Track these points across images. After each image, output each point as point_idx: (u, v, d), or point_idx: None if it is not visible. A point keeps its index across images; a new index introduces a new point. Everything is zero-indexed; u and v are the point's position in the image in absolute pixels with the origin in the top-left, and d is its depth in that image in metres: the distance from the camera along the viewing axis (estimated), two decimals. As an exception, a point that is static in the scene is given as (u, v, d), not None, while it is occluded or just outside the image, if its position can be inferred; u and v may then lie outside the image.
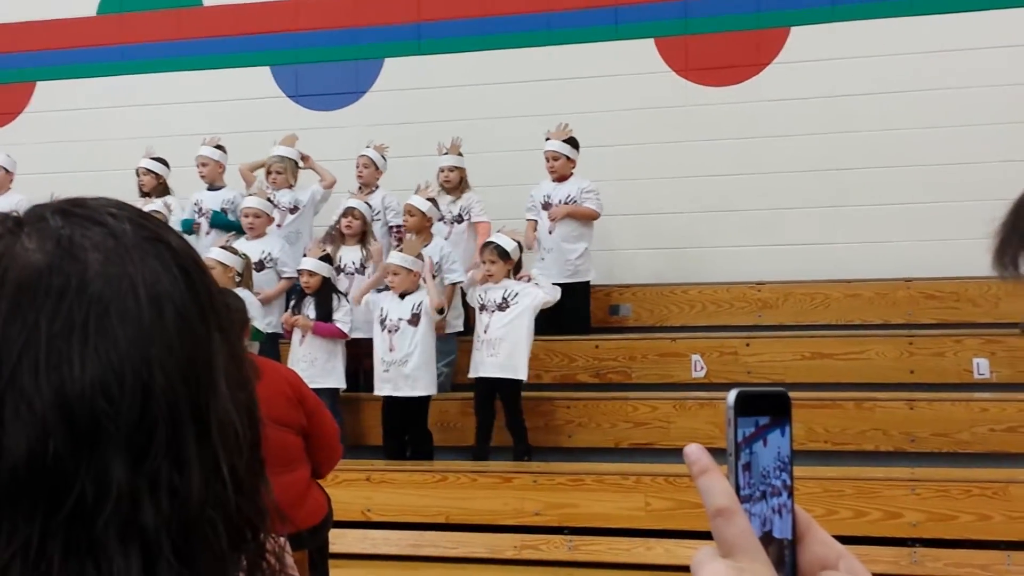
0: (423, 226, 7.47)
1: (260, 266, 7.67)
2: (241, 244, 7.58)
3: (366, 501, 6.46)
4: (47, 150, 9.23)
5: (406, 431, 7.03)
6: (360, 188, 8.15)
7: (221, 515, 0.73)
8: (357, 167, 8.19)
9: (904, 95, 7.91)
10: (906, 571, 5.63)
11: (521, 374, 6.85)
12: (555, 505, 6.25)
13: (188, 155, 8.43)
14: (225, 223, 8.16)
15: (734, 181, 8.18)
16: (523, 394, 6.94)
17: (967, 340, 7.01)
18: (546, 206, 7.75)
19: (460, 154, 8.02)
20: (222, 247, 7.22)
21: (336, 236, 7.78)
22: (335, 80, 9.00)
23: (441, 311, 7.07)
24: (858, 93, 8.00)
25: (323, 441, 4.36)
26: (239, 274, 7.12)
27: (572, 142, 7.78)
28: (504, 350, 6.81)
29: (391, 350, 6.94)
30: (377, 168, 8.20)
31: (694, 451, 0.75)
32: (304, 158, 8.35)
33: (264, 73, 9.18)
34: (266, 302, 7.56)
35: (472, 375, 6.98)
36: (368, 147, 8.23)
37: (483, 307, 7.00)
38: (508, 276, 7.02)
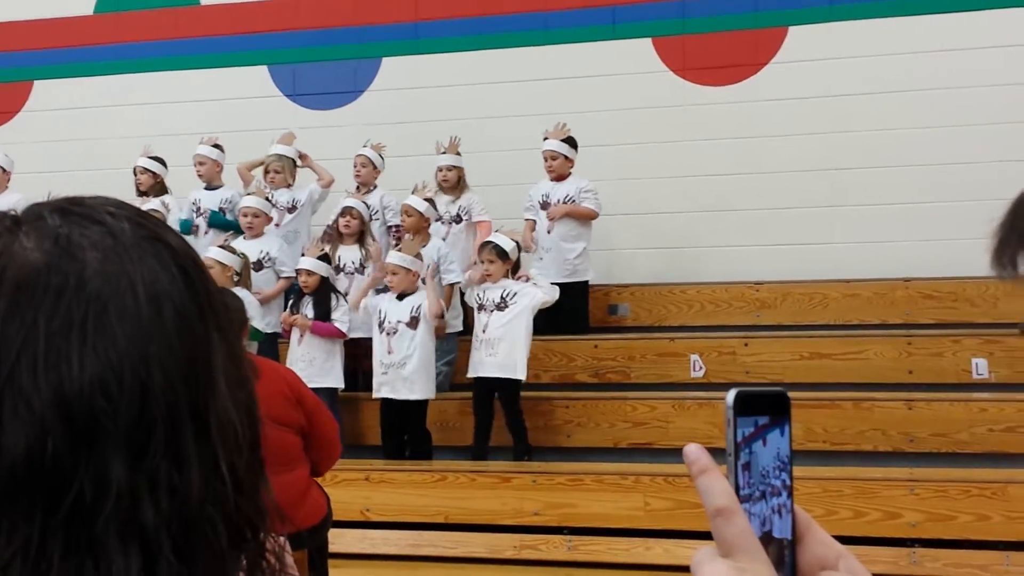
0: (420, 226, 7.47)
1: (259, 266, 7.67)
2: (239, 243, 7.57)
3: (365, 501, 6.46)
4: (44, 149, 9.23)
5: (405, 432, 7.03)
6: (358, 188, 8.15)
7: (221, 514, 0.73)
8: (355, 166, 8.19)
9: (902, 95, 7.91)
10: (905, 571, 5.64)
11: (520, 374, 6.84)
12: (554, 505, 6.25)
13: (186, 154, 8.43)
14: (223, 223, 8.16)
15: (732, 181, 8.18)
16: (522, 394, 6.94)
17: (966, 340, 7.02)
18: (544, 205, 7.75)
19: (458, 153, 8.02)
20: (220, 246, 7.22)
21: (334, 236, 7.78)
22: (333, 79, 9.00)
23: (440, 316, 7.06)
24: (856, 93, 8.01)
25: (323, 440, 4.36)
26: (237, 273, 7.12)
27: (570, 141, 7.78)
28: (503, 350, 6.81)
29: (389, 352, 6.93)
30: (375, 167, 8.20)
31: (693, 451, 0.74)
32: (302, 156, 8.35)
33: (262, 72, 9.17)
34: (265, 302, 7.56)
35: (471, 375, 6.98)
36: (365, 146, 8.23)
37: (481, 307, 6.99)
38: (506, 276, 7.02)
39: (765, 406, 0.76)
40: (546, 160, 7.77)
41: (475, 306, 7.09)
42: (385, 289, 7.25)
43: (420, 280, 7.09)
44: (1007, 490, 5.73)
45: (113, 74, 9.41)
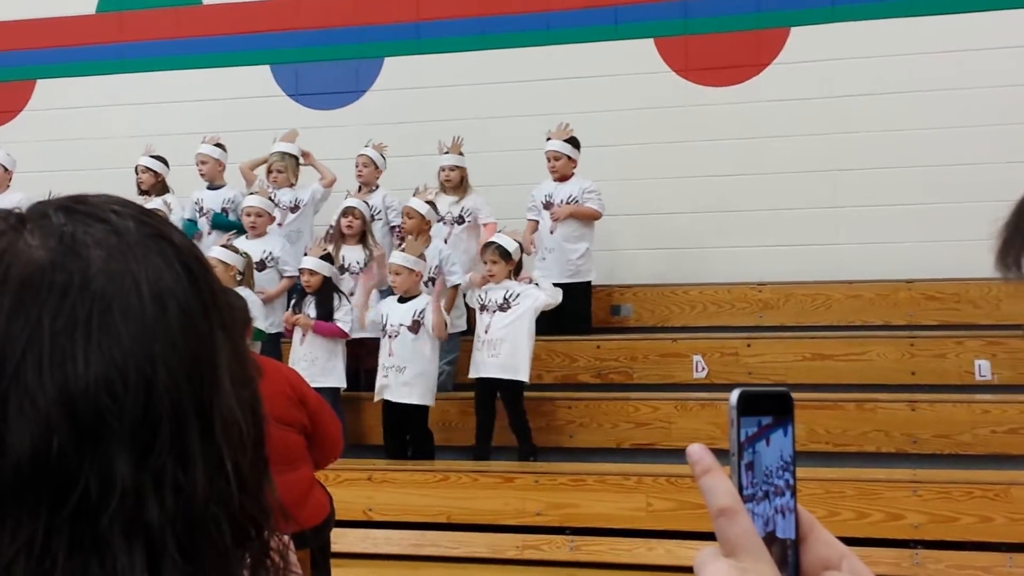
0: (421, 229, 7.46)
1: (261, 265, 7.68)
2: (242, 243, 7.58)
3: (367, 501, 6.46)
4: (47, 148, 9.23)
5: (407, 432, 7.03)
6: (360, 188, 8.15)
7: (225, 512, 0.73)
8: (356, 166, 8.19)
9: (904, 95, 7.91)
10: (907, 573, 5.63)
11: (523, 375, 6.84)
12: (556, 505, 6.25)
13: (188, 154, 8.43)
14: (226, 224, 8.16)
15: (735, 181, 8.18)
16: (525, 394, 6.93)
17: (968, 342, 7.01)
18: (547, 206, 7.75)
19: (461, 153, 8.02)
20: (223, 246, 7.22)
21: (337, 236, 7.78)
22: (335, 79, 9.00)
23: (444, 331, 7.02)
24: (858, 93, 8.00)
25: (326, 439, 4.37)
26: (240, 273, 7.13)
27: (573, 142, 7.78)
28: (505, 351, 6.81)
29: (390, 355, 6.93)
30: (377, 167, 8.20)
31: (697, 451, 0.74)
32: (305, 154, 8.34)
33: (264, 72, 9.18)
34: (268, 301, 7.57)
35: (472, 375, 6.98)
36: (367, 146, 8.23)
37: (484, 307, 7.00)
38: (509, 277, 7.02)
39: (768, 406, 0.76)
40: (549, 161, 7.77)
41: (477, 307, 7.09)
42: (390, 292, 7.25)
43: (423, 283, 7.10)
44: (1010, 492, 5.72)
45: (115, 73, 9.42)
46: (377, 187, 8.21)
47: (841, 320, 7.63)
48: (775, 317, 7.77)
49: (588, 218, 7.73)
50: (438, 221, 7.82)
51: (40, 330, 0.70)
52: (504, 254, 6.99)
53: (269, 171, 8.23)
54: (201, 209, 8.36)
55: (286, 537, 0.80)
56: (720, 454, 0.73)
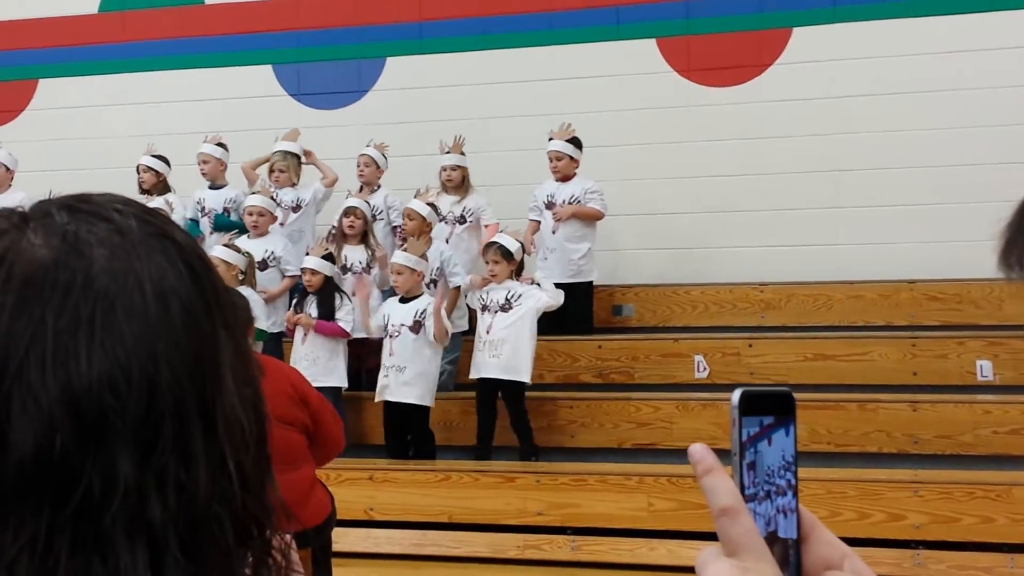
0: (422, 230, 7.46)
1: (264, 265, 7.68)
2: (244, 243, 7.59)
3: (369, 500, 6.46)
4: (49, 147, 9.24)
5: (408, 432, 7.03)
6: (361, 188, 8.15)
7: (227, 511, 0.73)
8: (358, 166, 8.19)
9: (907, 96, 7.90)
10: (909, 573, 5.63)
11: (524, 376, 6.84)
12: (558, 505, 6.25)
13: (190, 153, 8.44)
14: (228, 224, 8.16)
15: (737, 182, 8.18)
16: (526, 394, 6.94)
17: (970, 342, 7.01)
18: (549, 206, 7.75)
19: (462, 153, 8.02)
20: (225, 245, 7.23)
21: (338, 236, 7.78)
22: (337, 79, 9.00)
23: (444, 337, 7.03)
24: (860, 94, 8.00)
25: (327, 438, 4.38)
26: (242, 272, 7.13)
27: (575, 142, 7.78)
28: (506, 351, 6.81)
29: (391, 355, 6.93)
30: (378, 167, 8.20)
31: (698, 450, 0.74)
32: (306, 154, 8.34)
33: (266, 72, 9.18)
34: (270, 301, 7.57)
35: (473, 375, 6.98)
36: (368, 146, 8.23)
37: (485, 308, 7.00)
38: (511, 277, 7.02)
39: (770, 406, 0.76)
40: (551, 161, 7.77)
41: (479, 307, 7.09)
42: (392, 292, 7.25)
43: (424, 284, 7.11)
44: (1011, 492, 5.72)
45: (117, 73, 9.42)
46: (379, 187, 8.21)
47: (843, 320, 7.63)
48: (777, 317, 7.77)
49: (590, 218, 7.73)
50: (440, 220, 7.82)
51: (43, 329, 0.70)
52: (506, 254, 6.99)
53: (271, 170, 8.23)
54: (203, 209, 8.36)
55: (288, 536, 0.80)
56: (721, 454, 0.73)
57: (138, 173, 8.47)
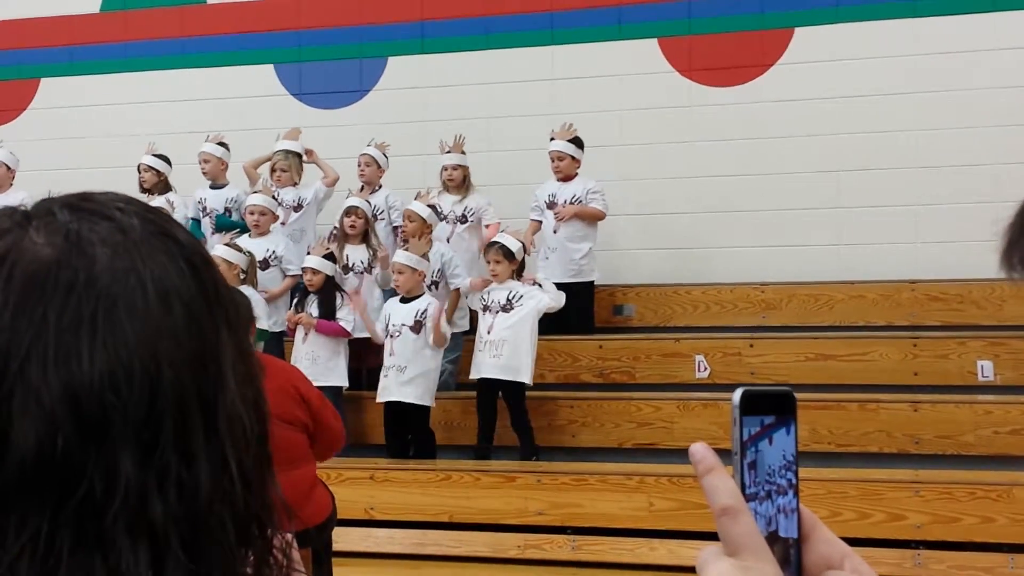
0: (423, 232, 7.45)
1: (265, 264, 7.68)
2: (245, 242, 7.59)
3: (369, 499, 6.46)
4: (50, 147, 9.24)
5: (408, 432, 7.03)
6: (362, 187, 8.15)
7: (229, 510, 0.73)
8: (359, 166, 8.18)
9: (908, 96, 7.90)
10: (909, 573, 5.63)
11: (525, 377, 6.84)
12: (558, 505, 6.25)
13: (191, 152, 8.44)
14: (230, 224, 8.16)
15: (738, 182, 8.18)
16: (527, 394, 6.94)
17: (971, 342, 7.01)
18: (551, 205, 7.75)
19: (463, 152, 8.02)
20: (226, 244, 7.23)
21: (340, 236, 7.78)
22: (339, 78, 9.00)
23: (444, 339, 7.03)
24: (862, 94, 8.00)
25: (328, 432, 4.39)
26: (244, 271, 7.14)
27: (577, 142, 7.78)
28: (507, 352, 6.81)
29: (391, 355, 6.94)
30: (379, 167, 8.20)
31: (699, 450, 0.74)
32: (308, 152, 8.34)
33: (268, 71, 9.18)
34: (271, 300, 7.57)
35: (474, 376, 6.98)
36: (369, 145, 8.23)
37: (487, 308, 7.00)
38: (512, 277, 7.02)
39: (771, 405, 0.76)
40: (552, 161, 7.77)
41: (480, 307, 7.09)
42: (394, 292, 7.25)
43: (426, 286, 7.11)
44: (1012, 492, 5.72)
45: (119, 72, 9.42)
46: (380, 187, 8.21)
47: (844, 321, 7.63)
48: (778, 317, 7.77)
49: (592, 218, 7.73)
50: (441, 220, 7.82)
51: (45, 327, 0.70)
52: (507, 254, 6.99)
53: (273, 170, 8.22)
54: (204, 209, 8.36)
55: (289, 535, 0.80)
56: (722, 454, 0.74)
57: (139, 172, 8.46)
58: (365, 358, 7.49)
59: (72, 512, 0.69)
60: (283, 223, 8.05)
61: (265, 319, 7.09)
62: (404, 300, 7.04)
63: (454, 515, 6.37)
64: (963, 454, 6.45)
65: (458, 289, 7.49)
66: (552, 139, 7.80)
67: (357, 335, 7.32)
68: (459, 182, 7.97)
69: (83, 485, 0.69)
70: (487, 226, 7.84)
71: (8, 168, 8.69)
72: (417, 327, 6.91)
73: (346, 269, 7.61)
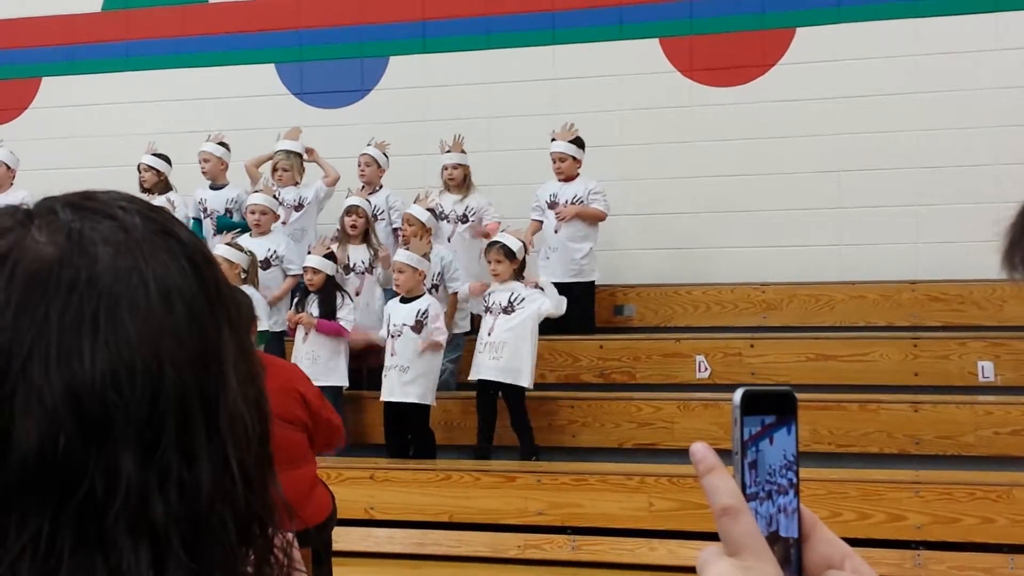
0: (422, 235, 7.44)
1: (266, 264, 7.68)
2: (247, 241, 7.58)
3: (369, 499, 6.47)
4: (51, 146, 9.24)
5: (408, 432, 7.03)
6: (363, 187, 8.14)
7: (230, 510, 0.73)
8: (359, 166, 8.18)
9: (909, 97, 7.90)
10: (909, 574, 5.63)
11: (524, 381, 6.84)
12: (558, 505, 6.25)
13: (192, 152, 8.43)
14: (231, 225, 8.15)
15: (739, 182, 8.18)
16: (527, 394, 6.93)
17: (972, 343, 7.01)
18: (552, 205, 7.75)
19: (463, 151, 8.02)
20: (228, 244, 7.23)
21: (341, 236, 7.77)
22: (340, 78, 9.00)
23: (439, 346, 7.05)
24: (863, 94, 8.00)
25: (327, 429, 4.40)
26: (244, 271, 7.14)
27: (578, 142, 7.78)
28: (507, 354, 6.81)
29: (392, 355, 6.94)
30: (379, 166, 8.19)
31: (700, 449, 0.74)
32: (308, 151, 8.34)
33: (269, 70, 9.18)
34: (274, 303, 7.57)
35: (473, 377, 6.98)
36: (369, 145, 8.22)
37: (488, 309, 7.00)
38: (513, 276, 7.02)
39: (772, 405, 0.76)
40: (554, 162, 7.77)
41: (481, 309, 7.10)
42: (395, 293, 7.25)
43: (428, 289, 7.12)
44: (1012, 493, 5.72)
45: (120, 71, 9.42)
46: (381, 187, 8.21)
47: (844, 321, 7.63)
48: (778, 318, 7.77)
49: (593, 219, 7.73)
50: (442, 219, 7.82)
51: (47, 326, 0.70)
52: (508, 254, 7.00)
53: (274, 169, 8.22)
54: (205, 210, 8.36)
55: (290, 535, 0.80)
56: (723, 454, 0.74)
57: (139, 172, 8.46)
58: (366, 358, 7.49)
59: (73, 512, 0.69)
60: (284, 222, 8.05)
61: (265, 320, 7.09)
62: (404, 300, 7.04)
63: (454, 515, 6.37)
64: (963, 455, 6.45)
65: (456, 293, 7.49)
66: (553, 140, 7.80)
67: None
68: (459, 181, 7.97)
69: (84, 485, 0.69)
70: (487, 224, 7.85)
71: (8, 168, 8.69)
72: (418, 327, 6.91)
73: (347, 269, 7.61)
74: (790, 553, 0.75)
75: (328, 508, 4.46)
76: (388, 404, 6.97)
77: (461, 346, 7.56)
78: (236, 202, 8.30)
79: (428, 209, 7.55)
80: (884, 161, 7.90)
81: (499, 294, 6.97)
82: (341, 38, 9.03)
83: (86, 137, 9.31)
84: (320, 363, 7.07)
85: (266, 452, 0.77)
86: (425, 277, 7.14)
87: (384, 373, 6.99)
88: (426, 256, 7.13)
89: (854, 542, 0.79)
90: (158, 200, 7.84)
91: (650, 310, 8.06)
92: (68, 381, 0.69)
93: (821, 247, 8.03)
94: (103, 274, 0.72)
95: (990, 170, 7.61)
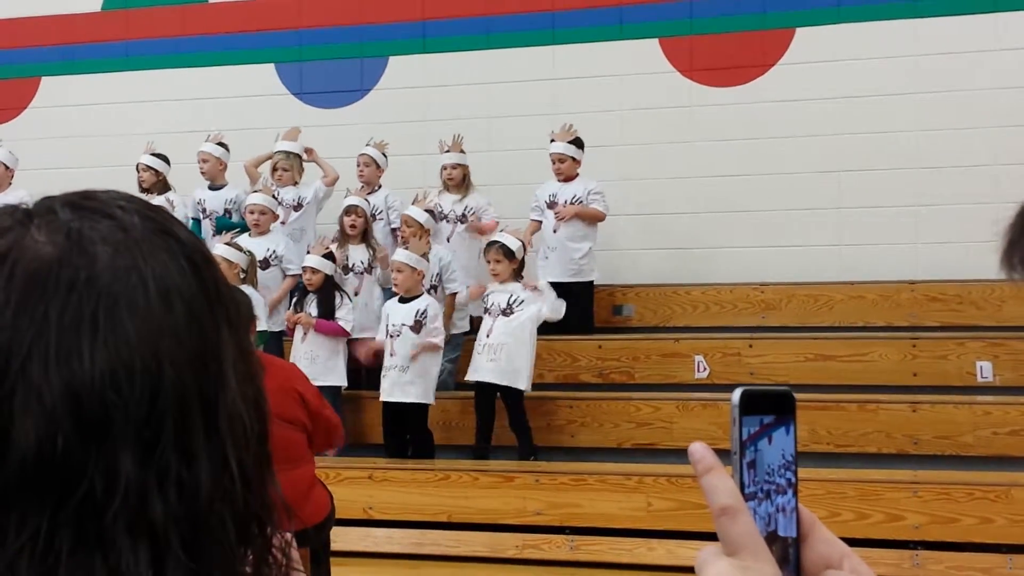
0: (421, 235, 7.44)
1: (265, 264, 7.68)
2: (246, 241, 7.58)
3: (368, 499, 6.46)
4: (51, 145, 9.23)
5: (407, 431, 7.03)
6: (362, 187, 8.14)
7: (229, 509, 0.73)
8: (358, 166, 8.18)
9: (908, 97, 7.90)
10: (908, 574, 5.63)
11: (522, 383, 6.84)
12: (557, 505, 6.25)
13: (192, 152, 8.43)
14: (229, 226, 8.15)
15: (738, 182, 8.18)
16: (526, 394, 6.93)
17: (970, 343, 7.01)
18: (551, 205, 7.75)
19: (462, 151, 8.02)
20: (227, 243, 7.23)
21: (340, 236, 7.77)
22: (340, 78, 9.00)
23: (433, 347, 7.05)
24: (862, 95, 8.00)
25: (327, 428, 4.40)
26: (244, 271, 7.13)
27: (577, 143, 7.79)
28: (504, 356, 6.81)
29: (391, 355, 6.94)
30: (378, 166, 8.19)
31: (699, 449, 0.74)
32: (308, 151, 8.34)
33: (269, 70, 9.18)
34: (274, 305, 7.57)
35: (471, 378, 6.98)
36: (368, 145, 8.22)
37: (487, 310, 7.00)
38: (512, 276, 7.02)
39: (770, 405, 0.76)
40: (554, 163, 7.77)
41: (481, 310, 7.10)
42: (394, 293, 7.25)
43: (427, 290, 7.12)
44: (1011, 493, 5.72)
45: (120, 71, 9.42)
46: (379, 187, 8.20)
47: (843, 321, 7.63)
48: (777, 318, 7.77)
49: (593, 219, 7.73)
50: (441, 219, 7.82)
51: (46, 326, 0.70)
52: (507, 253, 7.00)
53: (274, 168, 8.22)
54: (204, 211, 8.35)
55: (288, 535, 0.80)
56: (721, 455, 0.74)
57: (138, 172, 8.45)
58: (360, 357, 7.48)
59: (72, 511, 0.69)
60: (283, 222, 8.04)
61: (264, 320, 7.09)
62: (403, 300, 7.04)
63: (452, 515, 6.37)
64: (962, 455, 6.45)
65: (454, 294, 7.49)
66: (552, 140, 7.79)
67: (357, 335, 7.32)
68: (459, 181, 7.97)
69: (83, 484, 0.69)
70: (484, 222, 7.85)
71: (6, 168, 8.68)
72: (417, 327, 6.91)
73: (346, 269, 7.61)
74: (788, 553, 0.75)
75: (327, 508, 4.46)
76: (387, 404, 6.96)
77: (460, 346, 7.56)
78: (235, 202, 8.30)
79: (426, 210, 7.54)
80: (883, 161, 7.90)
81: (498, 296, 6.97)
82: (341, 38, 9.02)
83: (85, 137, 9.31)
84: (319, 363, 7.07)
85: (265, 452, 0.77)
86: (424, 277, 7.14)
87: (383, 373, 6.99)
88: (425, 256, 7.12)
89: (852, 542, 0.79)
90: (157, 200, 7.83)
91: (649, 310, 8.06)
92: (67, 381, 0.69)
93: (820, 247, 8.03)
94: (102, 273, 0.72)
95: (989, 170, 7.61)
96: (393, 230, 8.05)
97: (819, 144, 8.05)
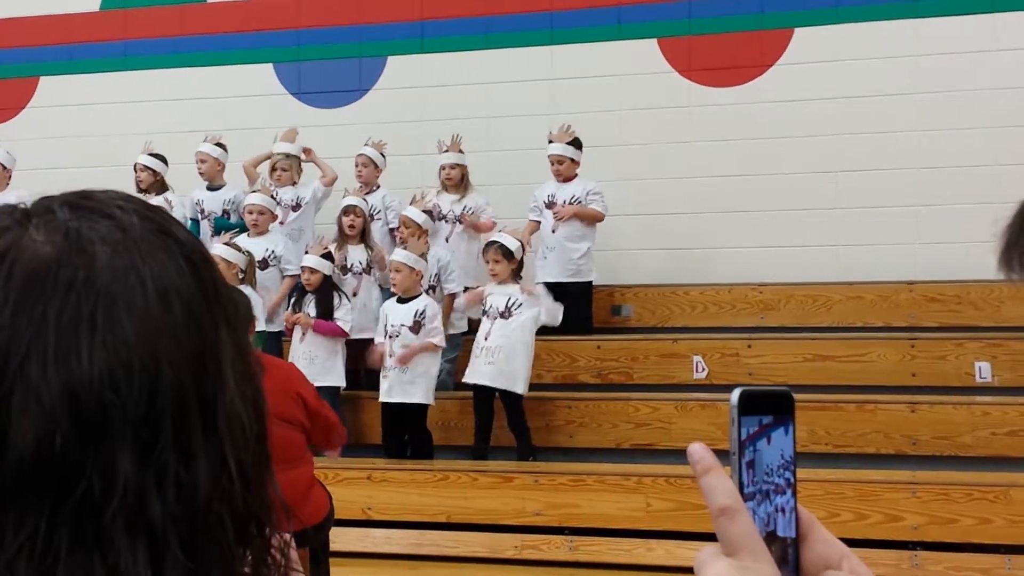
0: (420, 235, 7.43)
1: (264, 264, 7.68)
2: (244, 241, 7.58)
3: (367, 500, 6.46)
4: (49, 145, 9.23)
5: (406, 432, 7.03)
6: (360, 187, 8.14)
7: (228, 509, 0.73)
8: (356, 166, 8.18)
9: (907, 97, 7.91)
10: (907, 574, 5.63)
11: (519, 387, 6.83)
12: (556, 505, 6.25)
13: (190, 152, 8.43)
14: (228, 227, 8.15)
15: (737, 182, 8.18)
16: (525, 394, 6.93)
17: (969, 343, 7.01)
18: (550, 205, 7.75)
19: (461, 151, 8.02)
20: (225, 244, 7.23)
21: (339, 236, 7.76)
22: (338, 78, 9.00)
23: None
24: (861, 95, 8.00)
25: (325, 427, 4.40)
26: (242, 271, 7.13)
27: (576, 143, 7.78)
28: (502, 359, 6.80)
29: (391, 355, 6.93)
30: (376, 167, 8.19)
31: (698, 450, 0.74)
32: (306, 151, 8.34)
33: (267, 70, 9.18)
34: (275, 307, 7.56)
35: (468, 380, 6.97)
36: (366, 145, 8.22)
37: (485, 313, 7.00)
38: (511, 277, 7.02)
39: (769, 405, 0.76)
40: (552, 164, 7.77)
41: (479, 312, 7.09)
42: (392, 293, 7.25)
43: (426, 291, 7.11)
44: (1009, 493, 5.72)
45: (119, 71, 9.41)
46: (378, 187, 8.20)
47: (842, 321, 7.63)
48: (776, 318, 7.77)
49: (592, 220, 7.73)
50: (440, 219, 7.82)
51: (45, 325, 0.70)
52: (506, 253, 6.99)
53: (273, 169, 8.21)
54: (202, 211, 8.35)
55: (287, 535, 0.80)
56: (720, 455, 0.73)
57: (135, 172, 8.45)
58: (363, 358, 7.48)
59: (70, 511, 0.69)
60: (281, 222, 8.04)
61: (263, 321, 7.09)
62: (402, 300, 7.04)
63: (451, 515, 6.37)
64: (960, 455, 6.45)
65: (452, 295, 7.49)
66: (550, 141, 7.79)
67: (356, 336, 7.32)
68: (457, 181, 7.97)
69: (82, 484, 0.69)
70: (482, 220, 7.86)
71: (5, 168, 8.68)
72: (416, 327, 6.91)
73: (344, 270, 7.61)
74: (787, 553, 0.75)
75: (326, 508, 4.46)
76: (386, 404, 6.96)
77: (459, 346, 7.56)
78: (233, 203, 8.29)
79: (425, 210, 7.54)
80: (883, 161, 7.90)
81: (497, 298, 6.96)
82: (339, 38, 9.02)
83: (83, 137, 9.30)
84: (317, 363, 7.07)
85: (264, 451, 0.77)
86: (422, 277, 7.13)
87: (383, 374, 6.98)
88: (423, 256, 7.12)
89: (851, 542, 0.79)
90: (155, 201, 7.83)
91: (648, 310, 8.06)
92: (66, 380, 0.69)
93: (819, 247, 8.03)
94: (101, 273, 0.72)
95: (989, 171, 7.61)
96: (391, 230, 8.05)
97: (818, 144, 8.05)
